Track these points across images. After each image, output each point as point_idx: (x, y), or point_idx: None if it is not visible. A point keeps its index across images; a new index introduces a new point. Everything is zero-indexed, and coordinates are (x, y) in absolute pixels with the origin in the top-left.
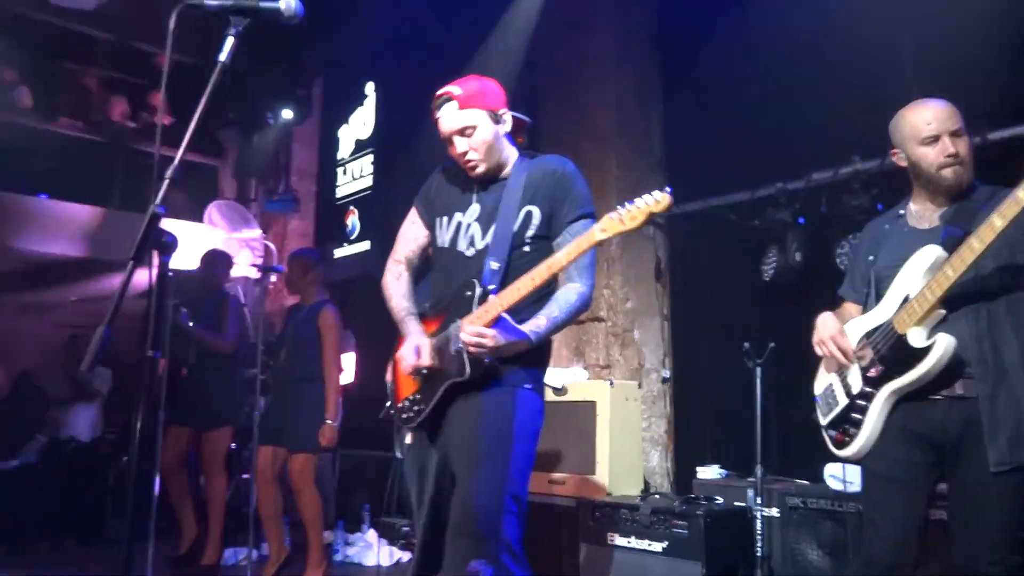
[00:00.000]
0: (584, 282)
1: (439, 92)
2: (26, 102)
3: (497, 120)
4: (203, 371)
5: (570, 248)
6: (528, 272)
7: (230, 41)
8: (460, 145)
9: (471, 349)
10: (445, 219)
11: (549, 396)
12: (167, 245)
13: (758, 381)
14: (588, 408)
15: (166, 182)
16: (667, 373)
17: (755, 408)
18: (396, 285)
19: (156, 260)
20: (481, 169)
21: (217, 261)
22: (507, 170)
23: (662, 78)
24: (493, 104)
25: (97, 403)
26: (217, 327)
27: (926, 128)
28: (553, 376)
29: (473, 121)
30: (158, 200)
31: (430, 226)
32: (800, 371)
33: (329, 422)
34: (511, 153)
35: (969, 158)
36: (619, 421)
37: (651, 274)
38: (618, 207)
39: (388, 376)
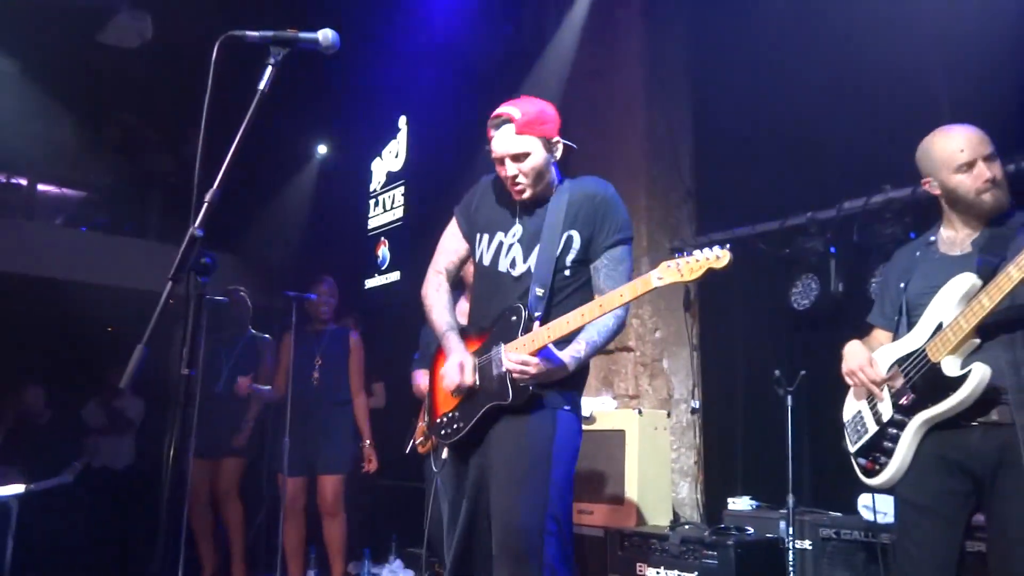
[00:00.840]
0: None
1: (498, 111)
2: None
3: (550, 148)
4: (220, 402)
5: (625, 291)
6: (579, 308)
7: (269, 70)
8: (511, 169)
9: (515, 375)
10: (486, 236)
11: None
12: (205, 266)
13: (789, 410)
14: (617, 437)
15: (205, 205)
16: (696, 403)
17: (786, 438)
18: (437, 296)
19: (193, 281)
20: (528, 194)
21: (241, 300)
22: (550, 192)
23: (691, 108)
24: (549, 132)
25: (130, 433)
26: (254, 367)
27: (960, 155)
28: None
29: (528, 148)
30: (197, 223)
31: (469, 239)
32: (832, 400)
33: (368, 442)
34: (555, 178)
35: (1004, 181)
36: (648, 450)
37: (680, 304)
38: (676, 256)
39: (422, 387)
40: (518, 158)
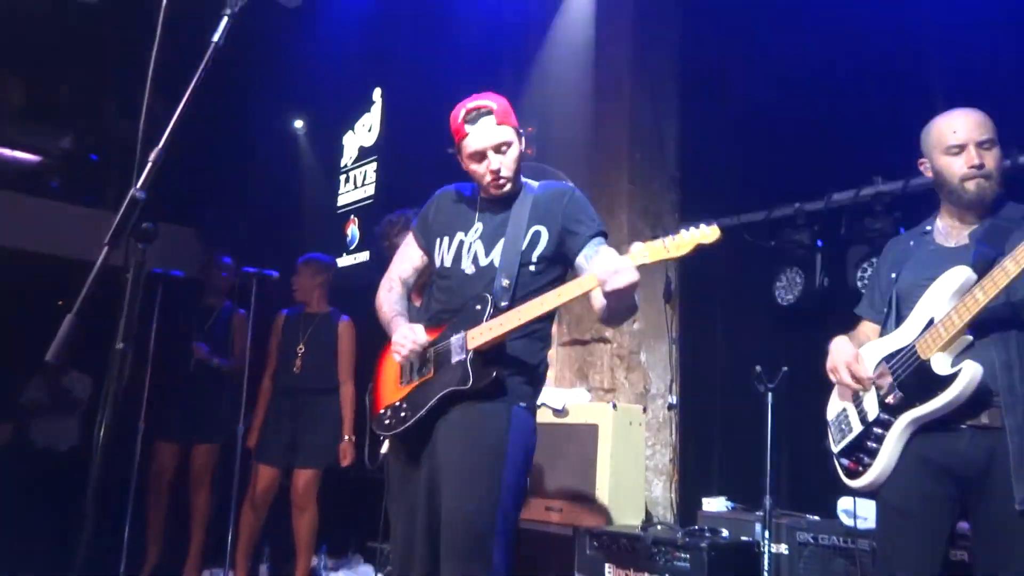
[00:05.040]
0: None
1: (474, 104)
2: (17, 99)
3: (520, 139)
4: (198, 384)
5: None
6: (556, 288)
7: (224, 21)
8: (494, 161)
9: (622, 287)
10: (445, 239)
11: (548, 418)
12: (147, 232)
13: (769, 407)
14: (589, 431)
15: (149, 166)
16: (674, 399)
17: (765, 437)
18: (387, 295)
19: (134, 248)
20: (508, 188)
21: (218, 267)
22: (516, 190)
23: (679, 93)
24: (517, 123)
25: (76, 413)
26: (225, 345)
27: (952, 136)
28: (554, 397)
29: (509, 137)
30: (139, 184)
31: (427, 249)
32: (814, 398)
33: (348, 438)
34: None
35: (997, 172)
36: (621, 446)
37: (660, 295)
38: (662, 237)
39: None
40: (500, 149)
